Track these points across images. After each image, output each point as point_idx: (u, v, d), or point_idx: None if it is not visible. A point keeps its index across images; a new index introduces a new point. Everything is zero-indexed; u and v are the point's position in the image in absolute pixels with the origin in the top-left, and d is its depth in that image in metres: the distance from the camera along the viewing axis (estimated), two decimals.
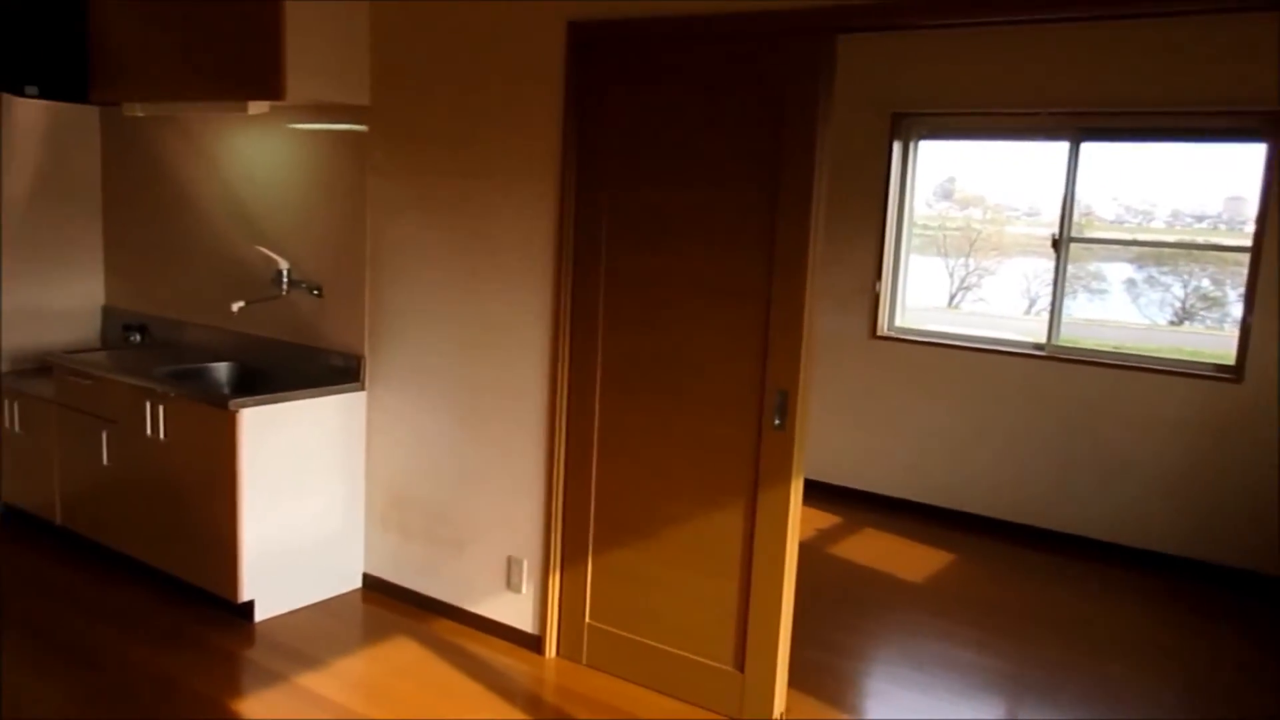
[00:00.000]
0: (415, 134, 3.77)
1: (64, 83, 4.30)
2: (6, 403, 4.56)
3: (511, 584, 3.72)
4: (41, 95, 4.57)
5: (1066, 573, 4.97)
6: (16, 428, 4.54)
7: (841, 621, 4.20)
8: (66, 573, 4.21)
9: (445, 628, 3.86)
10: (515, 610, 3.73)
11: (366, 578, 4.17)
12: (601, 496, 3.48)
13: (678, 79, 3.15)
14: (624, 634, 3.48)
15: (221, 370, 4.29)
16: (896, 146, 5.66)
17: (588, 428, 3.47)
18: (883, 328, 5.84)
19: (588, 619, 3.56)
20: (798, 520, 3.12)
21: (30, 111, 4.71)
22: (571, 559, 3.57)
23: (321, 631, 3.79)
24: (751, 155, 3.03)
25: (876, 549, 5.18)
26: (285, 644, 3.67)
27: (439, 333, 3.81)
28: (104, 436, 4.10)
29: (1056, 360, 5.30)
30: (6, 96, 4.59)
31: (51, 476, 4.42)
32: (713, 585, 3.25)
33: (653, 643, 3.41)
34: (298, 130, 4.10)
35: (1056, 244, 5.34)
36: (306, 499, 3.90)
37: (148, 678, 3.38)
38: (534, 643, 3.69)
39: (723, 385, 3.16)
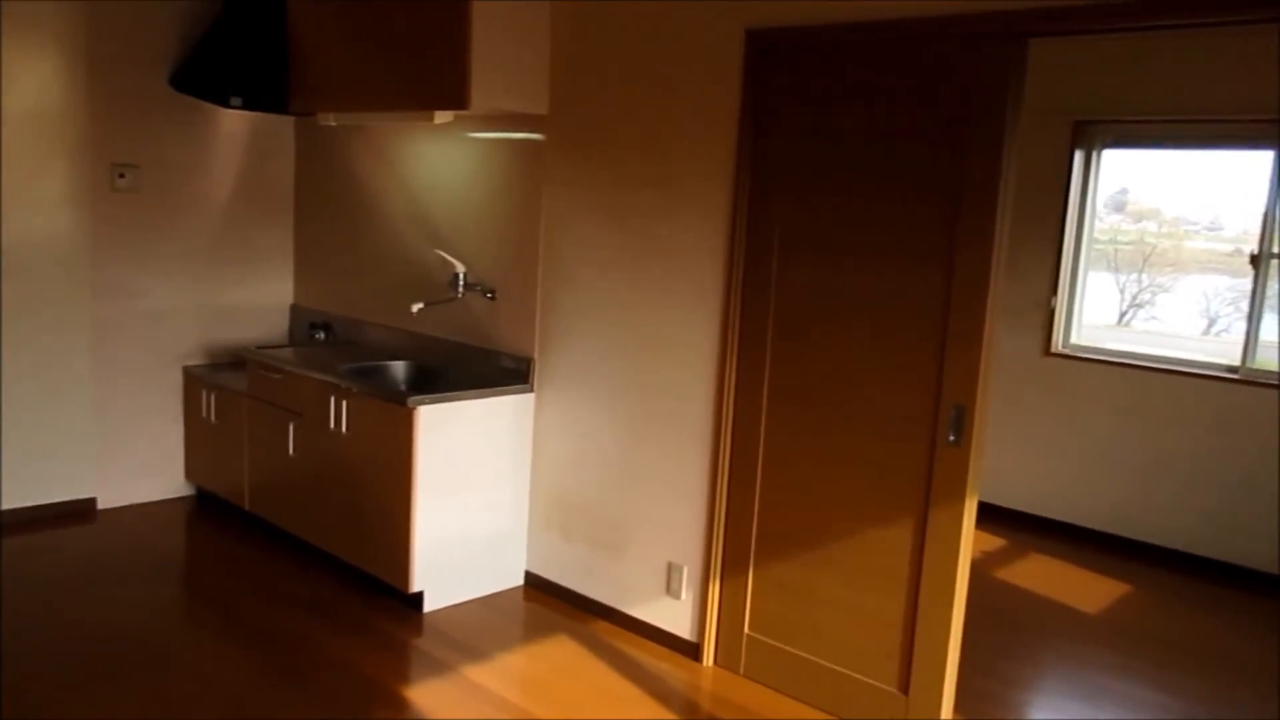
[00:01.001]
0: (590, 143, 3.84)
1: (265, 95, 4.58)
2: (204, 394, 4.88)
3: (671, 590, 3.73)
4: (245, 106, 4.87)
5: (1256, 611, 4.64)
6: (212, 418, 4.86)
7: (1008, 649, 4.04)
8: (252, 555, 4.47)
9: (604, 629, 3.91)
10: (674, 616, 3.74)
11: (528, 575, 4.27)
12: (764, 507, 3.45)
13: (857, 87, 3.11)
14: (783, 647, 3.44)
15: (399, 368, 4.47)
16: (1078, 155, 5.42)
17: (753, 437, 3.45)
18: (1057, 345, 5.60)
19: (747, 629, 3.54)
20: (970, 540, 3.02)
21: (233, 121, 5.04)
22: (732, 568, 3.56)
23: (485, 625, 3.89)
24: (932, 165, 2.95)
25: (1044, 575, 4.96)
26: (451, 635, 3.79)
27: (608, 338, 3.86)
28: (290, 428, 4.34)
29: (1252, 385, 4.96)
30: (213, 107, 4.93)
31: (242, 464, 4.70)
32: (877, 603, 3.18)
33: (813, 658, 3.36)
34: (477, 139, 4.25)
35: (1255, 260, 5.00)
36: (475, 496, 4.03)
37: (325, 659, 3.55)
38: (692, 650, 3.69)
39: (894, 399, 3.09)
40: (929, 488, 3.03)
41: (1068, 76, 5.33)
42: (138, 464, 4.97)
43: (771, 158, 3.31)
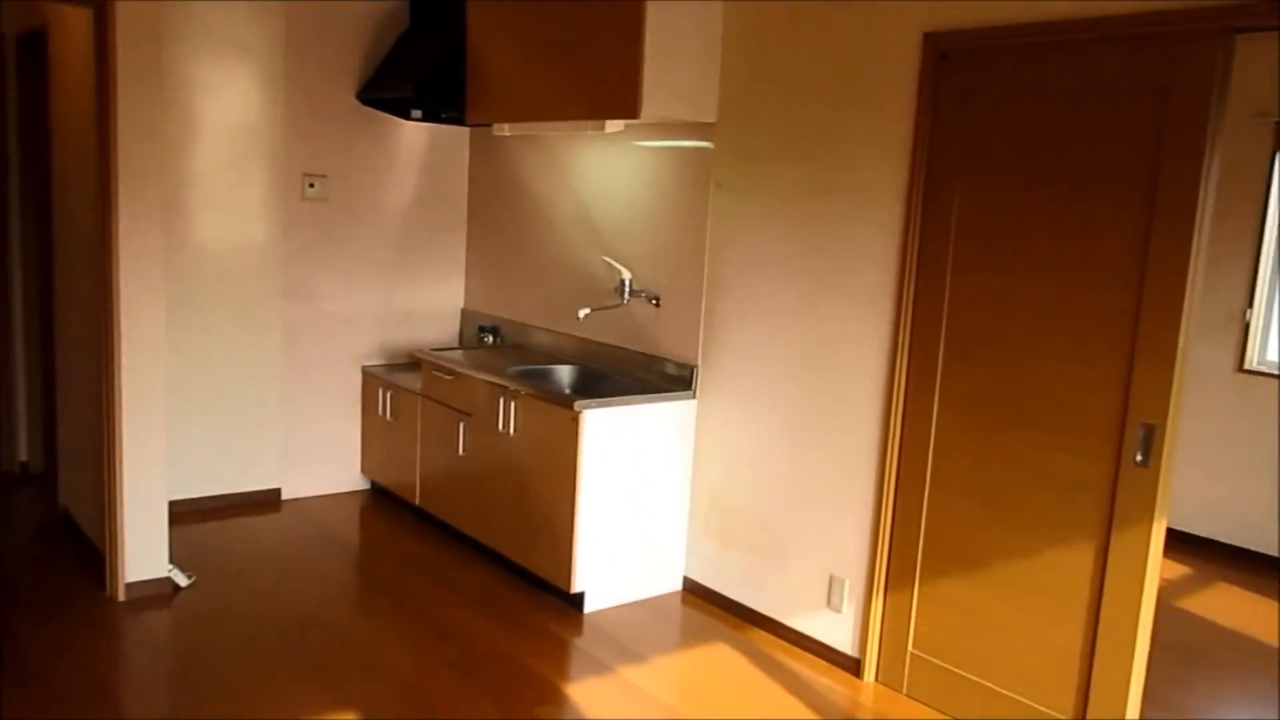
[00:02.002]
0: (759, 150, 3.83)
1: (444, 108, 4.77)
2: (381, 393, 5.12)
3: (832, 603, 3.68)
4: (425, 118, 5.10)
5: None
6: (388, 416, 5.08)
7: (1191, 683, 3.80)
8: (421, 548, 4.65)
9: (762, 638, 3.88)
10: (835, 630, 3.68)
11: (686, 581, 4.29)
12: (932, 522, 3.36)
13: (1041, 89, 2.99)
14: (950, 667, 3.34)
15: (564, 372, 4.57)
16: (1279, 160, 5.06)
17: (922, 450, 3.36)
18: (1251, 361, 5.23)
19: (911, 647, 3.45)
20: (1158, 568, 2.85)
21: (413, 133, 5.27)
22: (897, 584, 3.48)
23: (644, 628, 3.93)
24: (1125, 170, 2.81)
25: (1232, 606, 4.64)
26: (611, 636, 3.84)
27: (773, 346, 3.84)
28: (461, 428, 4.49)
29: None
30: (396, 120, 5.17)
31: (414, 461, 4.90)
32: (1053, 628, 3.04)
33: (981, 680, 3.25)
34: (645, 147, 4.30)
35: None
36: (637, 500, 4.07)
37: (490, 652, 3.65)
38: (853, 665, 3.63)
39: (1074, 416, 2.96)
40: (1112, 510, 2.88)
41: (1268, 74, 4.98)
42: (318, 458, 5.25)
43: (949, 164, 3.23)
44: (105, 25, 3.57)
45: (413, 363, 5.30)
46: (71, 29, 4.21)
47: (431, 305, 5.50)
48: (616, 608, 4.09)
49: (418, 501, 4.91)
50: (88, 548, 4.27)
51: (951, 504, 3.30)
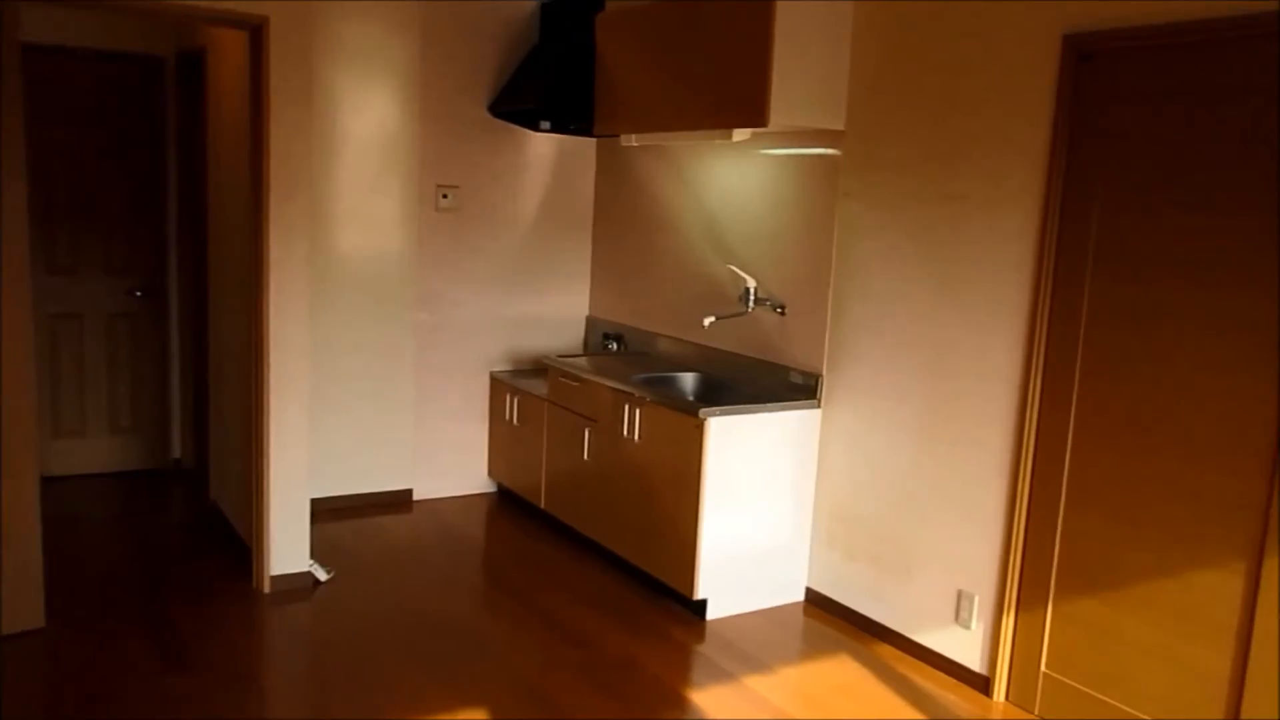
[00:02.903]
0: (888, 158, 3.79)
1: (572, 119, 4.87)
2: (508, 397, 5.24)
3: (960, 619, 3.60)
4: (553, 130, 5.21)
5: None
6: (514, 420, 5.20)
7: None
8: (546, 551, 4.74)
9: (886, 652, 3.83)
10: (963, 646, 3.60)
11: (809, 591, 4.25)
12: (1068, 538, 3.25)
13: (1189, 91, 2.88)
14: (1085, 689, 3.23)
15: (688, 380, 4.60)
16: None
17: (1057, 464, 3.27)
18: None
19: (1043, 667, 3.35)
20: None
21: (541, 144, 5.39)
22: (1028, 601, 3.38)
23: (767, 638, 3.92)
24: (1276, 174, 2.68)
25: None
26: (733, 644, 3.84)
27: (900, 356, 3.79)
28: (586, 433, 4.57)
29: None
30: (525, 131, 5.30)
31: (539, 465, 5.00)
32: (1198, 653, 2.91)
33: (1118, 704, 3.13)
34: (771, 155, 4.30)
35: None
36: (760, 508, 4.07)
37: (614, 656, 3.70)
38: (981, 683, 3.54)
39: (1224, 432, 2.83)
40: (1265, 530, 2.74)
41: None
42: (448, 461, 5.41)
43: (1088, 170, 3.13)
44: (260, 46, 3.78)
45: (539, 369, 5.42)
46: (226, 50, 4.46)
47: (557, 312, 5.61)
48: (738, 616, 4.09)
49: (542, 505, 5.00)
50: (235, 541, 4.50)
51: (1089, 520, 3.19)
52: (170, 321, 5.55)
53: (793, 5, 3.68)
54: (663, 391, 4.26)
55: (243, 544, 4.36)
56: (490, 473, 5.52)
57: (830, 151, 4.01)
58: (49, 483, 5.20)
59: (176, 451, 5.66)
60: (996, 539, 3.46)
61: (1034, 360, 3.31)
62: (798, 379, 4.18)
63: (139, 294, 5.43)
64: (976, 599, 3.54)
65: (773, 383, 4.29)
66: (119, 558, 4.38)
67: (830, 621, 4.09)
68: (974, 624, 3.55)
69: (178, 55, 5.33)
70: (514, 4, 5.19)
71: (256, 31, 3.80)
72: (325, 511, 4.96)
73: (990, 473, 3.48)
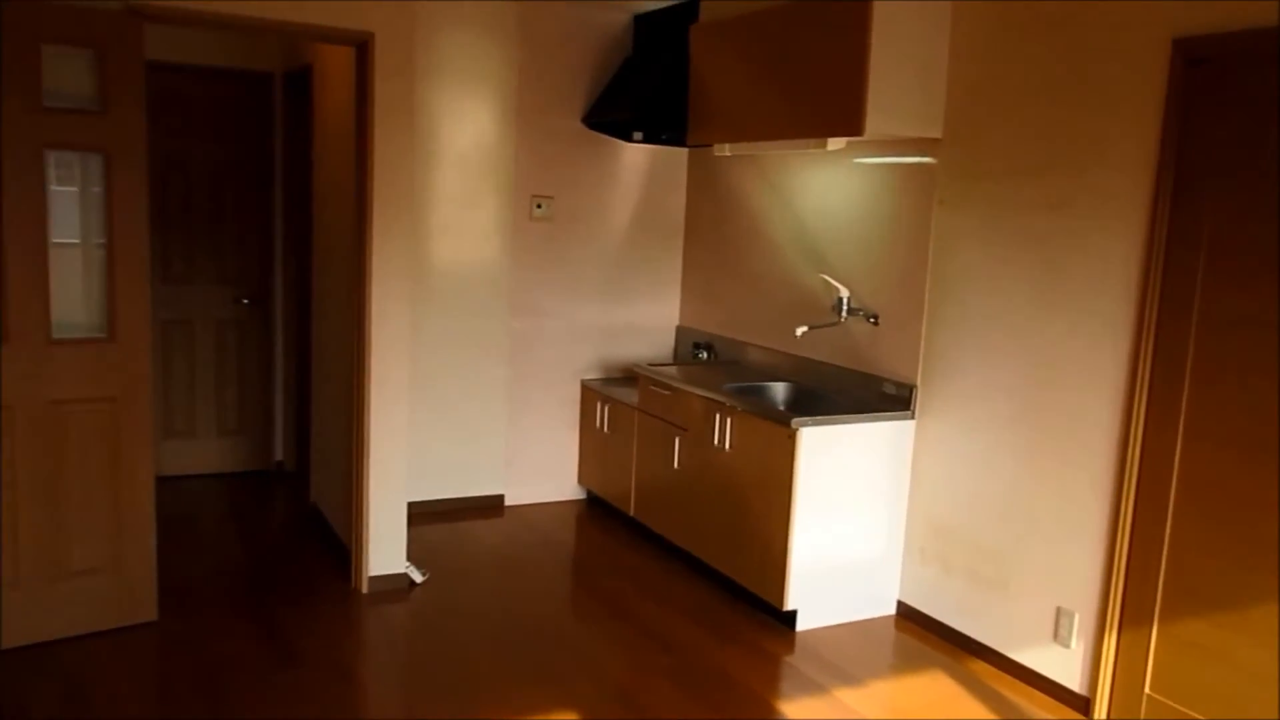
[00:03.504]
0: (986, 166, 3.74)
1: (664, 130, 4.91)
2: (598, 405, 5.29)
3: (1059, 637, 3.51)
4: (645, 140, 5.26)
5: None
6: (605, 428, 5.25)
7: None
8: (635, 558, 4.77)
9: (981, 669, 3.75)
10: (1061, 665, 3.51)
11: (900, 605, 4.20)
12: (1175, 557, 3.15)
13: None
14: (1191, 714, 3.12)
15: (779, 389, 4.59)
16: None
17: (1164, 479, 3.17)
18: None
19: (1147, 689, 3.25)
20: None
21: (633, 155, 5.44)
22: (1132, 620, 3.28)
23: (857, 650, 3.88)
24: None
25: None
26: (824, 656, 3.81)
27: (998, 367, 3.72)
28: (676, 442, 4.59)
29: None
30: (618, 142, 5.36)
31: (629, 473, 5.03)
32: None
33: None
34: (866, 164, 4.27)
35: None
36: (852, 520, 4.03)
37: (704, 664, 3.70)
38: (1081, 704, 3.45)
39: None
40: None
41: None
42: (539, 467, 5.48)
43: (1197, 177, 3.04)
44: (365, 61, 3.91)
45: (629, 377, 5.46)
46: (332, 67, 4.61)
47: (647, 321, 5.65)
48: (828, 628, 4.06)
49: (632, 512, 5.04)
50: (334, 542, 4.64)
51: (1198, 538, 3.09)
52: (275, 328, 5.75)
53: (890, 9, 3.65)
54: (754, 401, 4.25)
55: (342, 545, 4.49)
56: (580, 480, 5.58)
57: (926, 159, 3.97)
58: (160, 482, 5.41)
59: (279, 454, 5.85)
60: (1099, 555, 3.37)
61: (1140, 372, 3.22)
62: (891, 389, 4.14)
63: (246, 302, 5.64)
64: (1077, 617, 3.45)
65: (865, 393, 4.25)
66: (225, 555, 4.55)
67: (923, 636, 4.03)
68: (1074, 643, 3.46)
69: (285, 72, 5.53)
70: (609, 16, 5.26)
71: (362, 48, 3.92)
72: (420, 515, 5.07)
73: (1092, 487, 3.39)
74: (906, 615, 4.17)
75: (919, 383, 4.04)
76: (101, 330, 3.56)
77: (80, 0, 3.37)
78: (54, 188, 3.46)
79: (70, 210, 3.55)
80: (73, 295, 3.54)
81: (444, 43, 4.91)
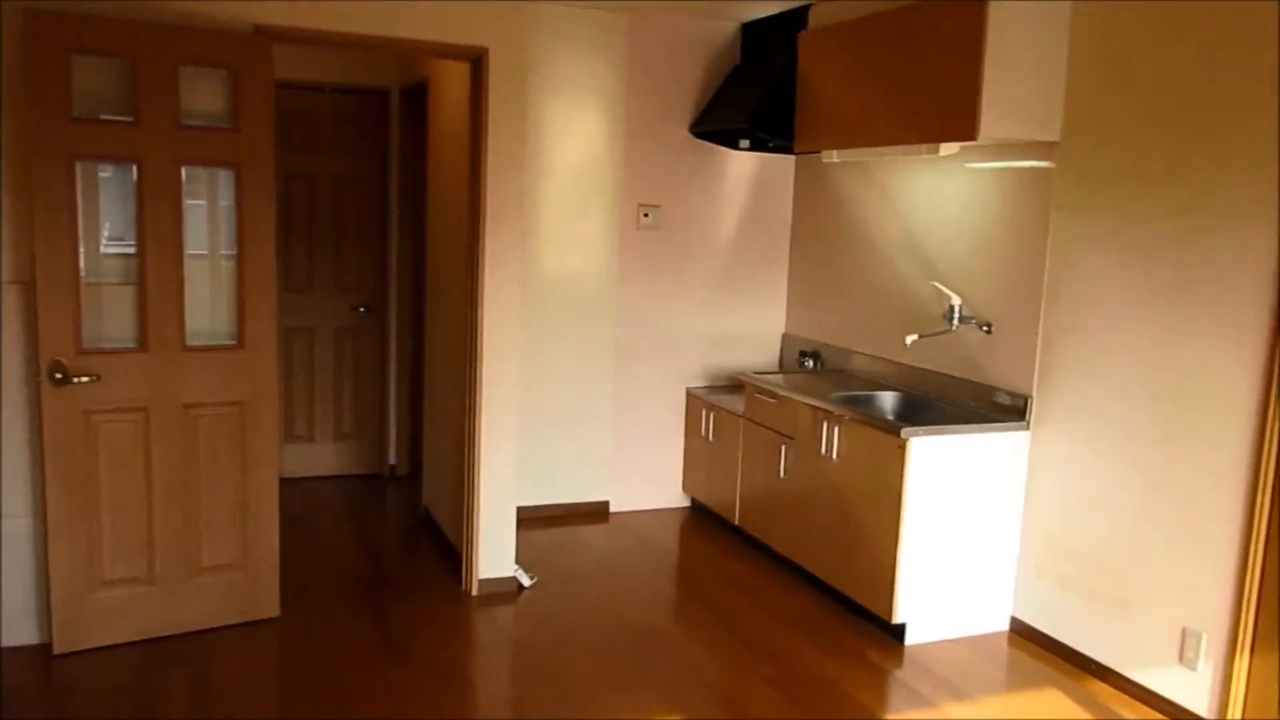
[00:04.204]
0: (1109, 169, 3.62)
1: (771, 137, 4.89)
2: (704, 413, 5.30)
3: (1185, 659, 3.37)
4: (752, 148, 5.26)
5: None
6: (710, 436, 5.25)
7: None
8: (739, 566, 4.76)
9: (1100, 689, 3.63)
10: (1188, 689, 3.37)
11: (1014, 621, 4.09)
12: None
13: None
14: None
15: (887, 398, 4.52)
16: None
17: None
18: None
19: None
20: None
21: (740, 163, 5.44)
22: (1265, 642, 3.13)
23: (969, 666, 3.79)
24: None
25: None
26: (934, 671, 3.73)
27: (1120, 377, 3.60)
28: (782, 450, 4.56)
29: None
30: (724, 150, 5.37)
31: (734, 481, 5.03)
32: None
33: None
34: (978, 169, 4.19)
35: None
36: (963, 533, 3.94)
37: (811, 675, 3.67)
38: None
39: None
40: None
41: None
42: (644, 474, 5.52)
43: None
44: (479, 75, 4.01)
45: (734, 385, 5.45)
46: (447, 82, 4.74)
47: (753, 329, 5.63)
48: (939, 643, 3.98)
49: (737, 521, 5.02)
50: (445, 545, 4.75)
51: None
52: (389, 336, 5.92)
53: (1006, 9, 3.58)
54: (862, 410, 4.20)
55: (452, 548, 4.59)
56: (684, 487, 5.59)
57: (1042, 164, 3.87)
58: (280, 483, 5.63)
59: (393, 458, 6.02)
60: (1229, 574, 3.23)
61: (1274, 383, 3.07)
62: (1004, 399, 4.04)
63: (362, 310, 5.83)
64: (1205, 638, 3.31)
65: (977, 403, 4.16)
66: (341, 555, 4.70)
67: (1037, 653, 3.91)
68: (1201, 665, 3.32)
69: (402, 88, 5.70)
70: (716, 26, 5.28)
71: (477, 62, 4.03)
72: (527, 520, 5.15)
73: (1221, 505, 3.25)
74: (1020, 632, 4.06)
75: (1034, 392, 3.94)
76: (230, 337, 3.73)
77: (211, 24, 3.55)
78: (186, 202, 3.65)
79: (199, 223, 3.73)
80: (201, 304, 3.71)
81: (555, 55, 5.00)
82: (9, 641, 3.57)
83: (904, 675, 3.72)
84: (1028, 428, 3.96)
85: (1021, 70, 3.66)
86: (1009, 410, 4.01)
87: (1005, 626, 4.11)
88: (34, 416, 3.49)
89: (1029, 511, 4.01)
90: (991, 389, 4.11)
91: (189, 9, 3.53)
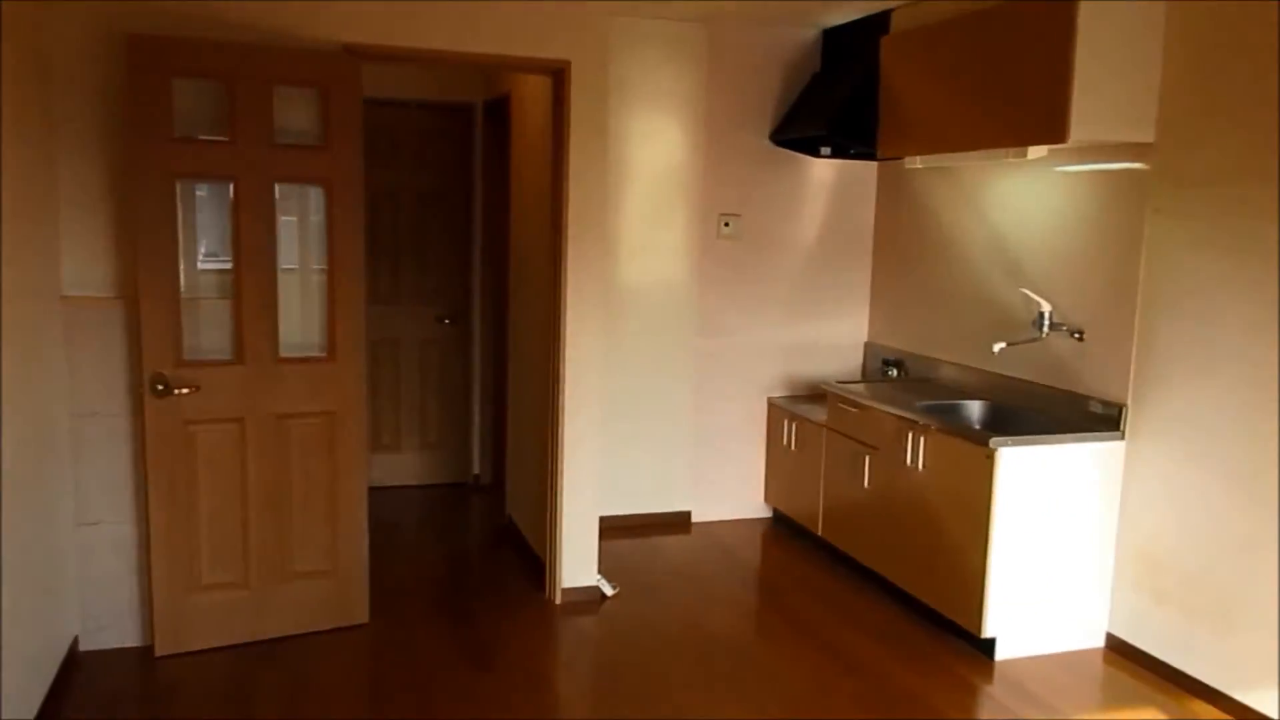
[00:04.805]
0: (1208, 170, 3.50)
1: (853, 144, 4.85)
2: (785, 423, 5.26)
3: None
4: (833, 155, 5.21)
5: None
6: (792, 446, 5.21)
7: None
8: (822, 577, 4.70)
9: (1202, 710, 3.49)
10: None
11: (1109, 637, 3.96)
12: None
13: None
14: None
15: (974, 408, 4.43)
16: None
17: None
18: None
19: None
20: None
21: (821, 170, 5.40)
22: None
23: (1062, 683, 3.69)
24: None
25: None
26: (1025, 687, 3.64)
27: (1221, 385, 3.47)
28: (866, 461, 4.50)
29: None
30: (805, 158, 5.33)
31: (817, 492, 4.97)
32: None
33: None
34: (1067, 173, 4.08)
35: None
36: (1055, 546, 3.84)
37: (897, 690, 3.61)
38: None
39: None
40: None
41: None
42: (725, 484, 5.49)
43: None
44: (561, 87, 4.05)
45: (816, 394, 5.40)
46: (528, 94, 4.80)
47: (834, 338, 5.57)
48: (1030, 658, 3.87)
49: (819, 531, 4.97)
50: (528, 554, 4.79)
51: None
52: (473, 347, 6.01)
53: (1097, 9, 3.48)
54: (949, 419, 4.13)
55: (536, 557, 4.63)
56: (766, 498, 5.55)
57: (1136, 165, 3.76)
58: (369, 492, 5.76)
59: (476, 468, 6.10)
60: None
61: None
62: (1098, 409, 3.93)
63: (447, 321, 5.92)
64: None
65: (1068, 413, 4.05)
66: (427, 563, 4.78)
67: (1134, 671, 3.78)
68: None
69: (485, 101, 5.79)
70: (797, 33, 5.25)
71: (559, 75, 4.07)
72: (609, 529, 5.15)
73: None
74: (1116, 648, 3.93)
75: (1129, 402, 3.82)
76: (321, 349, 3.83)
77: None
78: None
79: (290, 238, 3.83)
80: (292, 317, 3.81)
81: (636, 66, 5.03)
82: (114, 643, 3.71)
83: (994, 691, 3.63)
84: (1123, 437, 3.84)
85: (1113, 70, 3.56)
86: (1102, 420, 3.90)
87: (1100, 643, 3.99)
88: (134, 427, 3.62)
89: (1125, 524, 3.88)
90: (1084, 398, 4.00)
91: (282, 30, 3.64)
